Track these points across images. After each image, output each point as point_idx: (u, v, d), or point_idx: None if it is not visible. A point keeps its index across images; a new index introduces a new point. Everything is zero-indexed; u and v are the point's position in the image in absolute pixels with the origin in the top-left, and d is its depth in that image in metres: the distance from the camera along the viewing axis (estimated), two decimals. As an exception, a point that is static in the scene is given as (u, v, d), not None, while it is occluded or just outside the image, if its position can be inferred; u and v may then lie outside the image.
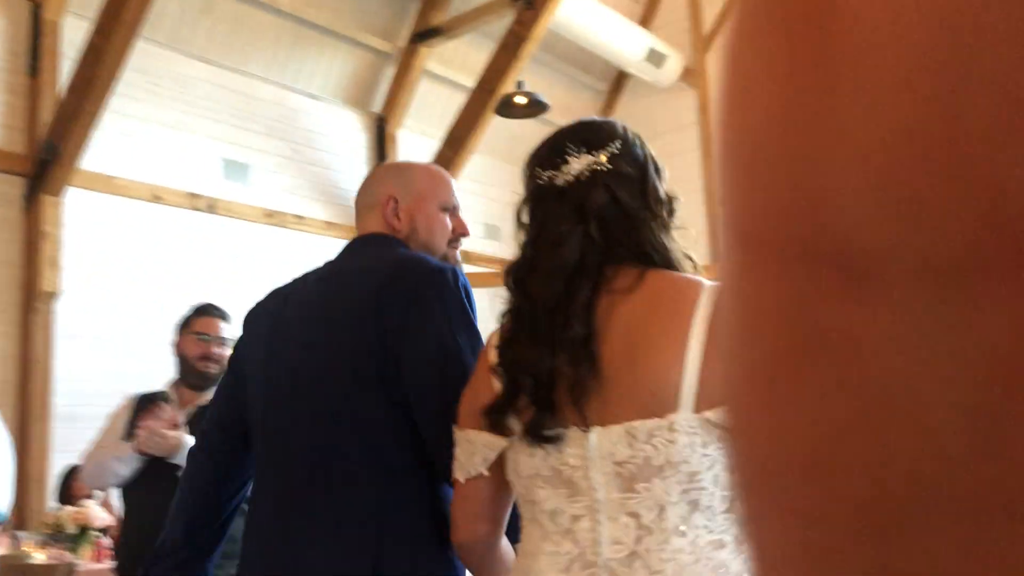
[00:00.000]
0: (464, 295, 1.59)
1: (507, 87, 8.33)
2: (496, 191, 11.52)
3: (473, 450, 1.35)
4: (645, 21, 11.72)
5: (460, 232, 1.88)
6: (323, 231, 9.03)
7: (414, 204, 1.79)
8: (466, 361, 1.49)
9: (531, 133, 11.64)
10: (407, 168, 2.01)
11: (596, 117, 1.51)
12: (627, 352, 1.24)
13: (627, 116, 12.33)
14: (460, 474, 1.39)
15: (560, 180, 1.33)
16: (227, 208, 8.26)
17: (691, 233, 1.41)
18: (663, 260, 1.32)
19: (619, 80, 12.24)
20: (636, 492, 1.19)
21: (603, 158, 1.31)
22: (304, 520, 1.52)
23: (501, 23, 9.11)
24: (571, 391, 1.25)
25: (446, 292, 1.55)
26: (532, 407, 1.28)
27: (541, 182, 1.38)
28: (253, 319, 1.84)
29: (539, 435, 1.27)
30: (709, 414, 1.16)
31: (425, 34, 9.37)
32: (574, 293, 1.26)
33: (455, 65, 10.48)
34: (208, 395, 3.37)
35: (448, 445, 1.41)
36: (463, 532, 1.41)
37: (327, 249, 9.12)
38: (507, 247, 11.43)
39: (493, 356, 1.37)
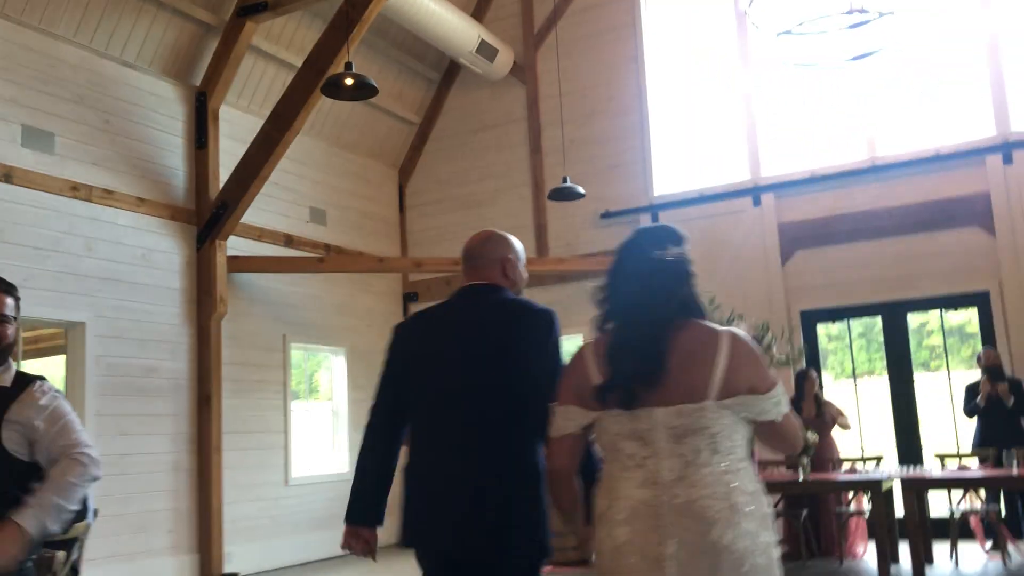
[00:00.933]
0: (558, 332, 2.91)
1: (336, 68, 8.16)
2: (321, 174, 11.32)
3: (569, 418, 2.37)
4: (478, 14, 11.82)
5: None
6: (134, 207, 8.57)
7: (517, 267, 3.02)
8: (559, 374, 2.54)
9: (359, 117, 11.51)
10: (510, 240, 3.07)
11: (671, 224, 2.58)
12: (681, 365, 2.25)
13: (457, 107, 12.40)
14: (556, 433, 2.41)
15: (664, 257, 2.38)
16: (26, 178, 7.67)
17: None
18: (699, 312, 2.39)
19: (451, 71, 12.30)
20: (682, 443, 2.22)
21: (684, 251, 2.43)
22: (474, 468, 2.70)
23: (332, 3, 8.93)
24: (649, 386, 2.23)
25: (555, 330, 2.90)
26: (623, 393, 2.25)
27: (653, 255, 2.38)
28: (407, 332, 3.03)
29: (630, 408, 2.25)
30: (725, 402, 2.22)
31: (252, 8, 9.02)
32: (664, 327, 2.29)
33: (283, 42, 10.19)
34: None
35: (547, 419, 2.46)
36: (556, 465, 2.45)
37: (138, 226, 8.65)
38: (332, 232, 11.27)
39: (593, 359, 2.36)
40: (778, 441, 2.37)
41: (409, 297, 12.20)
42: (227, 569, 8.89)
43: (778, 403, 2.27)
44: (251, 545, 9.40)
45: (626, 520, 2.21)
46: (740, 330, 2.31)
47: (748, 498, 2.21)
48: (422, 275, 11.80)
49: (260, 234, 10.07)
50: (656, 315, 2.29)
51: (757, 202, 10.07)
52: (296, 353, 10.60)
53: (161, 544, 8.54)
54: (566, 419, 2.36)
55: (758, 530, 2.20)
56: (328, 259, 10.57)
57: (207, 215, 9.20)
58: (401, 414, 2.89)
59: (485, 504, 2.64)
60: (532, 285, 12.80)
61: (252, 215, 9.66)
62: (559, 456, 2.42)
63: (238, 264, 9.51)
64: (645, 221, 10.56)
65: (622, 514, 2.22)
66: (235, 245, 9.59)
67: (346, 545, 2.91)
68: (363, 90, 7.32)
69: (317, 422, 10.87)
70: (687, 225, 11.64)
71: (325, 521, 10.09)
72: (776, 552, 2.26)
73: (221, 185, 9.27)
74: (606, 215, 10.91)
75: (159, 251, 8.94)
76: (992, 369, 8.28)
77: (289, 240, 10.46)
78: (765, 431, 2.32)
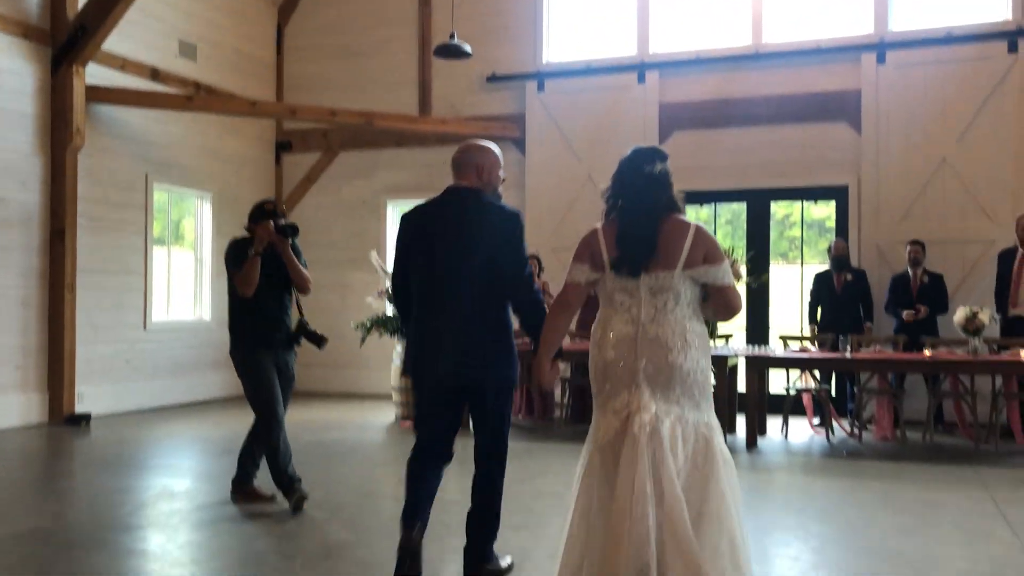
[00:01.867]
0: (522, 228, 3.83)
1: None
2: (194, 4, 10.56)
3: (582, 272, 3.34)
4: None
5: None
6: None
7: (491, 172, 3.88)
8: (526, 259, 3.81)
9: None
10: (486, 150, 3.91)
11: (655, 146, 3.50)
12: (664, 246, 3.23)
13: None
14: (571, 280, 3.38)
15: (653, 171, 3.36)
16: None
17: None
18: (676, 208, 3.35)
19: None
20: (656, 297, 3.24)
21: (666, 166, 3.38)
22: (462, 321, 3.70)
23: None
24: (641, 258, 3.24)
25: (519, 227, 3.79)
26: (631, 265, 3.25)
27: (645, 170, 3.34)
28: (414, 218, 3.87)
29: (627, 274, 3.26)
30: (686, 272, 3.21)
31: None
32: (654, 221, 3.26)
33: None
34: None
35: (520, 289, 3.76)
36: (566, 299, 3.42)
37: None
38: (203, 69, 10.65)
39: (603, 239, 3.33)
40: (723, 305, 3.33)
41: (283, 146, 11.77)
42: (79, 410, 8.72)
43: (726, 273, 3.26)
44: (106, 387, 9.21)
45: (614, 345, 3.29)
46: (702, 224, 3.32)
47: (694, 336, 3.28)
48: (297, 124, 11.38)
49: (123, 64, 9.41)
50: (650, 214, 3.29)
51: (642, 79, 10.09)
52: (160, 196, 10.15)
53: (8, 380, 8.25)
54: (580, 273, 3.38)
55: (699, 357, 3.27)
56: (197, 98, 10.03)
57: (63, 37, 8.51)
58: (407, 285, 3.87)
59: (474, 346, 3.72)
60: (412, 145, 12.65)
61: (115, 42, 9.00)
62: (570, 295, 3.44)
63: (98, 94, 8.90)
64: (532, 89, 10.45)
65: (612, 341, 3.30)
66: (95, 74, 8.95)
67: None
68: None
69: (181, 269, 10.56)
70: (572, 97, 11.66)
71: (184, 367, 9.97)
72: (710, 373, 3.35)
73: (80, 5, 8.55)
74: (492, 78, 10.72)
75: (9, 72, 8.26)
76: (838, 259, 8.80)
77: (155, 74, 9.83)
78: (716, 296, 3.30)
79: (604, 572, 3.02)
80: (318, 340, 5.29)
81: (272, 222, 5.07)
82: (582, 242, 3.38)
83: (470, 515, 3.84)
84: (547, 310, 3.61)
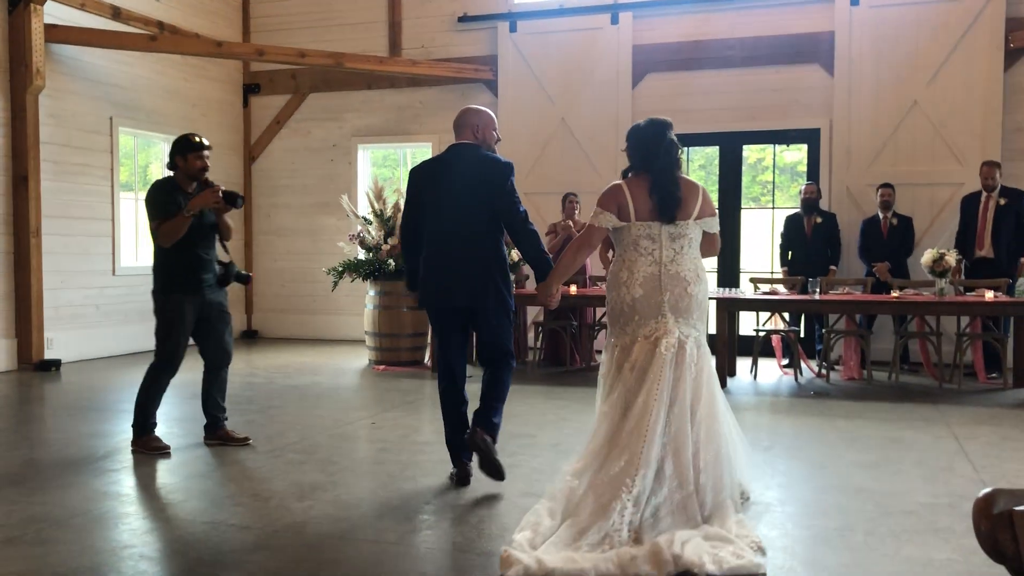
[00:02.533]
0: (513, 175, 4.52)
1: None
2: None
3: (607, 220, 4.01)
4: None
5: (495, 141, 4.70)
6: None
7: (484, 131, 4.58)
8: (518, 200, 4.50)
9: None
10: (479, 113, 4.61)
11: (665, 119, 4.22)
12: (683, 200, 4.02)
13: None
14: (595, 223, 4.04)
15: (673, 138, 4.13)
16: None
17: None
18: (681, 168, 4.17)
19: None
20: (675, 242, 4.02)
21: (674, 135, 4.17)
22: (467, 255, 4.40)
23: None
24: (674, 211, 4.00)
25: (510, 175, 4.49)
26: (667, 215, 3.98)
27: (669, 137, 4.10)
28: (423, 170, 4.55)
29: (667, 222, 3.99)
30: (698, 221, 4.06)
31: None
32: (676, 179, 4.06)
33: None
34: None
35: (515, 225, 4.45)
36: (589, 241, 4.15)
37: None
38: (166, 8, 10.36)
39: (628, 192, 4.02)
40: (711, 247, 4.21)
41: (251, 88, 11.56)
42: (48, 356, 8.65)
43: (717, 222, 4.15)
44: (75, 333, 9.13)
45: (641, 284, 3.98)
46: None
47: (703, 272, 4.10)
48: (265, 65, 11.16)
49: (83, 2, 9.15)
50: (674, 175, 4.04)
51: (615, 20, 9.97)
52: (126, 140, 9.95)
53: (-25, 328, 8.16)
54: (607, 220, 4.02)
55: (706, 288, 4.09)
56: (161, 38, 9.78)
57: (20, -26, 8.24)
58: (417, 227, 4.55)
59: (478, 273, 4.40)
60: (383, 86, 12.49)
61: (74, -20, 8.74)
62: (595, 236, 4.12)
63: (57, 34, 8.67)
64: (503, 29, 10.30)
65: (639, 280, 3.98)
66: (54, 13, 8.71)
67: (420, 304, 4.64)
68: None
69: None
70: (545, 39, 11.52)
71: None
72: (709, 300, 4.20)
73: (37, -59, 8.27)
74: (464, 19, 10.55)
75: (-37, 10, 8.00)
76: (808, 202, 8.85)
77: (117, 13, 9.56)
78: (708, 240, 4.15)
79: (628, 456, 3.66)
80: (245, 279, 5.34)
81: (220, 190, 5.03)
82: (608, 194, 4.06)
83: (477, 410, 4.46)
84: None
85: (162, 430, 5.41)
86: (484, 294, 4.41)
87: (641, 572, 3.15)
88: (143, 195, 5.52)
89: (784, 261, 9.06)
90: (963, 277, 8.20)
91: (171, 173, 5.15)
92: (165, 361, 5.17)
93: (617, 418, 3.83)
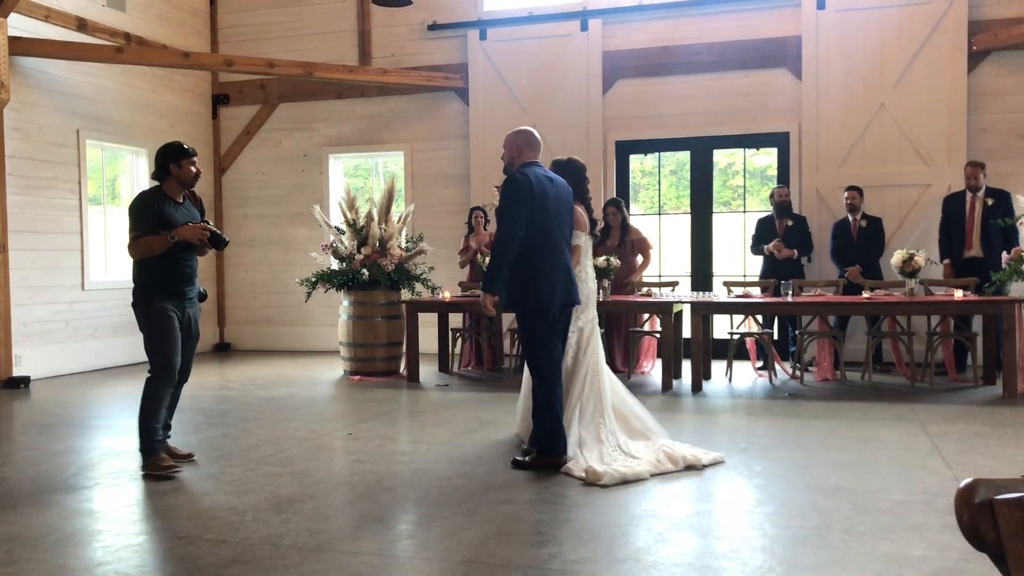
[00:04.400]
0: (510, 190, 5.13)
1: None
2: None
3: (579, 239, 5.57)
4: None
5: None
6: None
7: (508, 151, 5.27)
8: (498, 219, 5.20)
9: None
10: (511, 135, 5.26)
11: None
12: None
13: None
14: (575, 242, 5.50)
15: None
16: None
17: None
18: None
19: None
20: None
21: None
22: (556, 257, 5.10)
23: None
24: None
25: (509, 190, 5.08)
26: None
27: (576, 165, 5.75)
28: (537, 182, 5.05)
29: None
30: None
31: None
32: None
33: None
34: None
35: (569, 239, 5.37)
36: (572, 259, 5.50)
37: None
38: (132, 19, 10.28)
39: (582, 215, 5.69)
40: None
41: (220, 99, 11.48)
42: (17, 372, 8.51)
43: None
44: (44, 349, 9.01)
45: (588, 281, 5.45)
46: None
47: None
48: (234, 76, 11.10)
49: (47, 14, 9.06)
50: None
51: (585, 27, 10.02)
52: (94, 153, 9.84)
53: (-60, 346, 8.01)
54: (577, 239, 5.37)
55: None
56: (128, 50, 9.69)
57: (-17, -14, 8.14)
58: (519, 236, 5.09)
59: (570, 279, 5.16)
60: (353, 96, 12.43)
61: (38, -9, 8.65)
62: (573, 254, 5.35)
63: (22, 46, 8.56)
64: (473, 37, 10.32)
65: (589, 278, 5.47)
66: (18, 25, 8.61)
67: (483, 306, 4.98)
68: None
69: (119, 228, 10.29)
70: (515, 46, 11.57)
71: (125, 327, 9.78)
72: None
73: (-1, -47, 8.16)
74: (433, 27, 10.55)
75: (-75, 24, 7.88)
76: (780, 206, 8.93)
77: (82, 24, 9.47)
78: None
79: (596, 405, 5.20)
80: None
81: (210, 231, 4.99)
82: (579, 212, 5.44)
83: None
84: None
85: (134, 445, 5.33)
86: (575, 296, 5.19)
87: (667, 468, 4.78)
88: (112, 208, 5.44)
89: (762, 265, 9.07)
90: (954, 276, 8.28)
91: (156, 183, 5.08)
92: (160, 372, 4.95)
93: (581, 381, 5.37)
